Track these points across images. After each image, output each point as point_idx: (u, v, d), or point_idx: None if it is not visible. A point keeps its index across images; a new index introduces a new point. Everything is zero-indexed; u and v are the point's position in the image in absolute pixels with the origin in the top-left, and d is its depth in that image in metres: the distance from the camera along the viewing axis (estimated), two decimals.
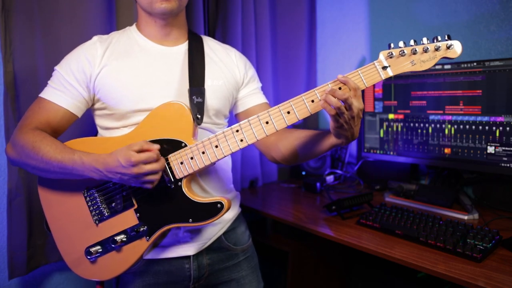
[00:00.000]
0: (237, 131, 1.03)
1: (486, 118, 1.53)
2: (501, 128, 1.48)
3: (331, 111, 0.95)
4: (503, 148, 1.48)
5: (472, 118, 1.57)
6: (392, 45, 0.99)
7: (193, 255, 1.19)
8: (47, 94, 1.14)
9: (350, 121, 0.97)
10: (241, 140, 1.03)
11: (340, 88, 0.97)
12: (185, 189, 1.07)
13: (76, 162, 1.02)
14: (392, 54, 0.98)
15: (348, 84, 0.96)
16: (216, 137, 1.05)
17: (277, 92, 2.22)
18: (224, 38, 1.90)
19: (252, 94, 1.32)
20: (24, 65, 1.40)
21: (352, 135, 1.01)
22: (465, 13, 1.76)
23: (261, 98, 1.33)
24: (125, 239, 1.09)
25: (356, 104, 0.95)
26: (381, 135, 1.89)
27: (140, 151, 0.98)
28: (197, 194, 1.10)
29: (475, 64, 1.53)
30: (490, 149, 1.51)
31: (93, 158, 1.02)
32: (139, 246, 1.09)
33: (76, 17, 1.47)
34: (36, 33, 1.41)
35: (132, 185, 1.03)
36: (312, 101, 0.99)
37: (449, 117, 1.64)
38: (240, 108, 1.32)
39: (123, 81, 1.12)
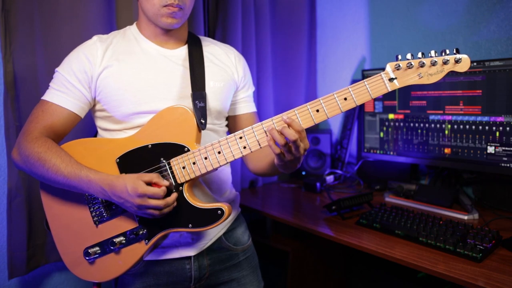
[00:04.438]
0: (241, 138, 1.03)
1: (486, 118, 1.53)
2: (501, 128, 1.48)
3: (276, 150, 0.98)
4: (503, 148, 1.48)
5: (472, 118, 1.57)
6: (399, 57, 0.98)
7: (194, 256, 1.19)
8: (49, 96, 1.12)
9: (295, 160, 1.01)
10: (244, 147, 1.03)
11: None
12: (186, 194, 1.06)
13: (82, 179, 1.02)
14: (399, 66, 0.97)
15: (293, 126, 0.97)
16: (219, 143, 1.04)
17: (277, 92, 2.22)
18: (224, 38, 1.90)
19: (244, 101, 1.33)
20: (24, 65, 1.40)
21: (294, 168, 1.08)
22: (465, 13, 1.75)
23: (251, 107, 1.35)
24: (124, 241, 1.09)
25: (303, 145, 0.99)
26: (381, 135, 1.89)
27: (150, 183, 1.00)
28: (198, 199, 1.09)
29: (475, 64, 1.53)
30: (490, 149, 1.51)
31: (100, 178, 1.02)
32: (138, 249, 1.09)
33: (76, 17, 1.47)
34: (36, 33, 1.41)
35: (132, 212, 1.04)
36: (317, 110, 1.00)
37: (449, 117, 1.64)
38: (230, 112, 1.32)
39: (125, 83, 1.12)
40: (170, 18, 1.11)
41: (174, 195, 1.03)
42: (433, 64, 0.95)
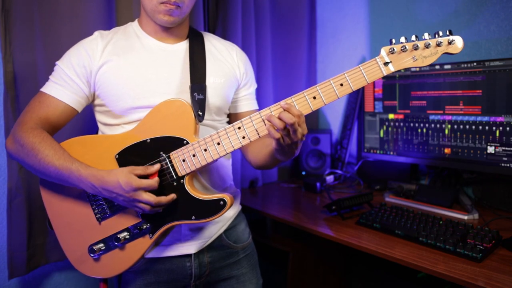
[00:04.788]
0: (239, 128, 1.03)
1: (486, 118, 1.53)
2: (501, 128, 1.48)
3: (276, 135, 0.98)
4: (503, 148, 1.48)
5: (472, 118, 1.57)
6: (393, 41, 0.99)
7: (194, 254, 1.19)
8: (47, 88, 1.14)
9: (293, 145, 1.02)
10: (243, 137, 1.04)
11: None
12: (187, 187, 1.07)
13: (73, 173, 1.03)
14: (393, 49, 0.98)
15: (291, 111, 0.97)
16: (218, 134, 1.05)
17: (277, 92, 2.22)
18: (224, 37, 1.89)
19: (246, 99, 1.33)
20: (24, 65, 1.40)
21: (292, 155, 1.07)
22: (465, 13, 1.76)
23: (252, 105, 1.36)
24: (128, 236, 1.09)
25: (300, 130, 0.99)
26: (381, 135, 1.89)
27: (142, 176, 1.01)
28: (199, 191, 1.10)
29: (475, 64, 1.53)
30: (490, 149, 1.51)
31: (90, 173, 1.02)
32: (142, 244, 1.09)
33: (76, 17, 1.47)
34: (36, 33, 1.41)
35: (122, 205, 1.06)
36: (314, 97, 1.00)
37: (449, 117, 1.64)
38: (232, 109, 1.33)
39: (124, 78, 1.12)
40: (167, 15, 1.12)
41: (170, 196, 1.04)
42: (427, 46, 0.96)
